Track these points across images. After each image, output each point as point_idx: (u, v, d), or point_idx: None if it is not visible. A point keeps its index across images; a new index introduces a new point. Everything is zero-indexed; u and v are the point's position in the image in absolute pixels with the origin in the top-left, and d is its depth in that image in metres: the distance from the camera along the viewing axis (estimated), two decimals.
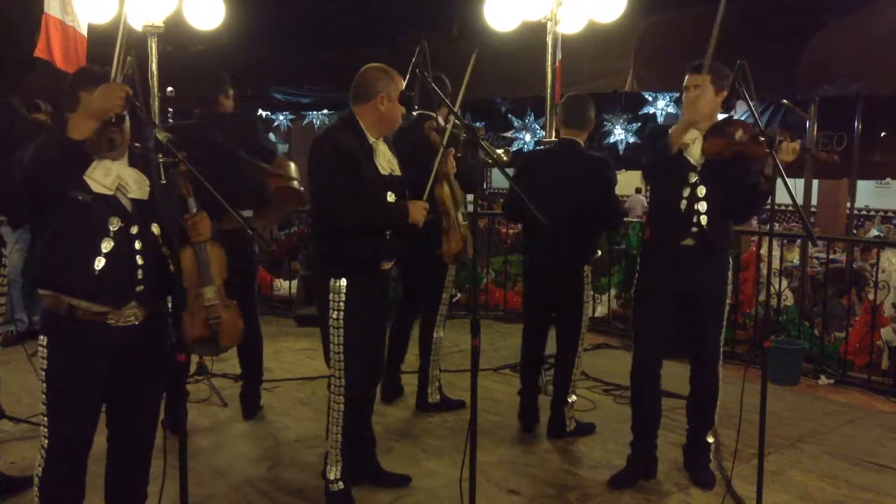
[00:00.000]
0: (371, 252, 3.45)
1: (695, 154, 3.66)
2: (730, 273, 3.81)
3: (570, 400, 4.47)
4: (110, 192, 2.69)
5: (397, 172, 3.53)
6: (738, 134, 3.52)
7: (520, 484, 3.93)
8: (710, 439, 3.97)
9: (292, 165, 5.06)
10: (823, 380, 5.70)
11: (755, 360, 5.76)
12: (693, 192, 3.65)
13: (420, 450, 4.14)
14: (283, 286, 8.05)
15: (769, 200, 3.45)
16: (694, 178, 3.65)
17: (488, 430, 4.54)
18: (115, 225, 2.68)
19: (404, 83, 3.36)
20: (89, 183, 2.67)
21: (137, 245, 2.71)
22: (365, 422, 3.73)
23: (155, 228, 2.78)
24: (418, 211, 3.39)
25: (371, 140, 3.43)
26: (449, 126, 3.87)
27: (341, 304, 3.41)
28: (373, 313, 3.53)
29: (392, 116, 3.42)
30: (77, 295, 2.65)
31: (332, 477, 3.54)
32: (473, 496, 2.93)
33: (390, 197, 3.41)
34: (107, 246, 2.65)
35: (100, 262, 2.64)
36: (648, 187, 3.96)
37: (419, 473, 3.65)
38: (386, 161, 3.46)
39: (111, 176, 2.70)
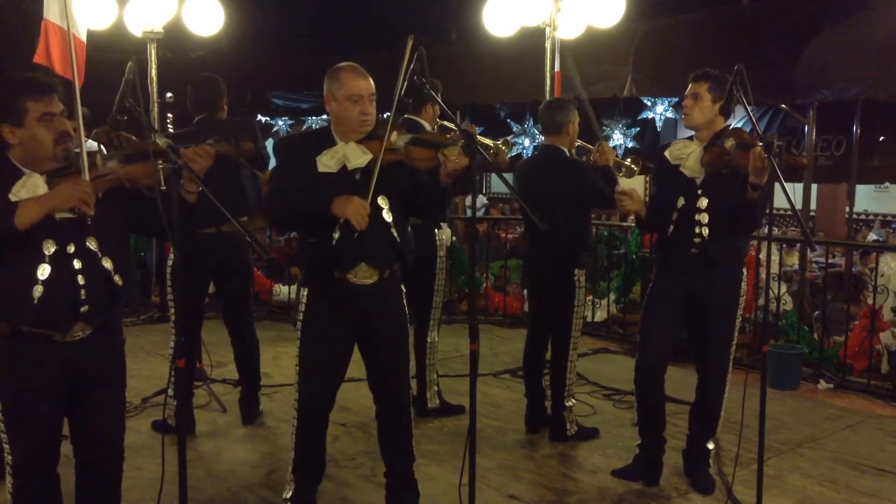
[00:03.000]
0: (319, 258, 3.22)
1: (691, 167, 3.66)
2: (743, 284, 3.78)
3: (567, 404, 4.48)
4: None
5: (358, 165, 3.16)
6: (729, 144, 3.52)
7: (519, 489, 3.93)
8: (710, 445, 3.97)
9: None
10: (823, 384, 5.69)
11: (755, 364, 5.75)
12: (694, 205, 3.64)
13: (419, 455, 4.11)
14: (282, 291, 8.05)
15: (766, 207, 3.45)
16: (695, 191, 3.65)
17: (488, 436, 4.54)
18: (50, 248, 2.56)
19: (362, 79, 3.15)
20: (11, 201, 2.54)
21: (77, 265, 2.59)
22: (318, 444, 3.49)
23: (91, 243, 2.63)
24: (348, 205, 3.02)
25: (339, 142, 3.19)
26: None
27: (301, 314, 3.32)
28: (337, 329, 3.28)
29: (341, 117, 3.18)
30: (20, 323, 2.58)
31: (284, 496, 3.45)
32: (473, 501, 2.93)
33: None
34: (43, 272, 2.53)
35: (38, 291, 2.53)
36: (649, 194, 3.95)
37: (418, 479, 3.64)
38: (335, 161, 3.15)
39: (38, 195, 2.56)
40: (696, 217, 3.64)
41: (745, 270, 3.81)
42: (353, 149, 3.16)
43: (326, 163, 3.16)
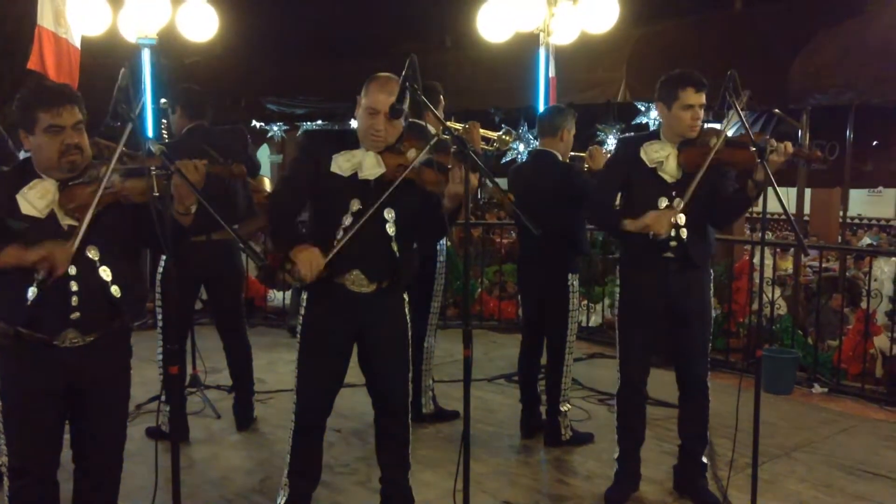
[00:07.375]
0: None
1: (671, 171, 3.62)
2: (711, 287, 3.79)
3: (562, 409, 4.48)
4: (40, 216, 2.59)
5: (368, 177, 3.13)
6: (713, 141, 3.51)
7: (514, 494, 3.92)
8: (706, 459, 3.88)
9: (266, 180, 5.09)
10: (817, 388, 5.70)
11: (749, 369, 5.76)
12: (670, 207, 3.59)
13: (414, 461, 4.12)
14: (277, 297, 8.04)
15: (759, 207, 3.47)
16: (671, 193, 3.59)
17: (483, 441, 4.54)
18: None
19: (382, 93, 3.11)
20: (19, 202, 2.57)
21: (72, 271, 2.59)
22: (315, 450, 3.47)
23: (91, 251, 2.64)
24: (301, 257, 3.01)
25: (361, 147, 3.16)
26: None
27: (301, 318, 3.30)
28: (336, 335, 3.25)
29: (357, 125, 3.19)
30: (14, 324, 2.60)
31: (278, 501, 3.42)
32: None
33: (354, 204, 3.13)
34: (40, 275, 2.54)
35: (32, 292, 2.55)
36: (621, 202, 3.89)
37: (413, 485, 3.64)
38: (350, 165, 3.13)
39: (46, 199, 2.60)
40: (674, 220, 3.58)
41: (711, 272, 3.84)
42: (371, 159, 3.14)
43: (341, 164, 3.15)
